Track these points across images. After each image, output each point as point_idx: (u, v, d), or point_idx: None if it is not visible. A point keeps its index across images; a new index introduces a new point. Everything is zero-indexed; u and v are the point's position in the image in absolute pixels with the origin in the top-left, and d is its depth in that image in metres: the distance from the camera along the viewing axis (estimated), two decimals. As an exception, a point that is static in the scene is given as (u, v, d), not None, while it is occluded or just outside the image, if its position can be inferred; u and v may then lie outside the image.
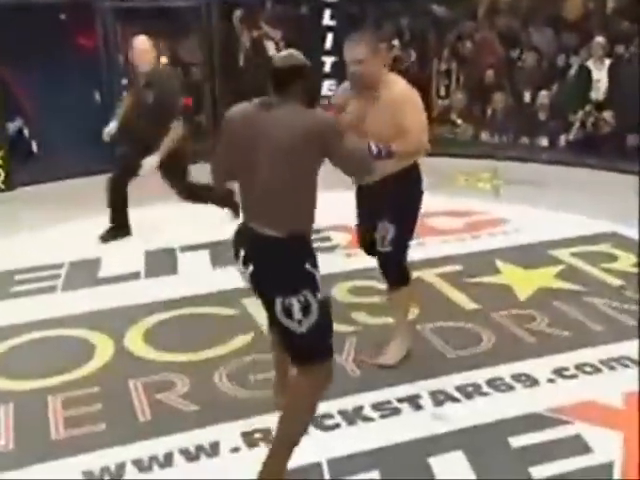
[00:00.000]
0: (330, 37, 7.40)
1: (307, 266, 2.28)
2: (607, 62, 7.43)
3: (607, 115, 7.16)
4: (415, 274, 4.13)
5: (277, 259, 2.29)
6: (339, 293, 3.97)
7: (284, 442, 2.34)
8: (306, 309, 2.26)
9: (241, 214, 2.45)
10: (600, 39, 7.50)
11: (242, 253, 2.35)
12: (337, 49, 7.54)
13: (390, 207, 3.08)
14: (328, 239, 4.87)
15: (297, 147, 2.24)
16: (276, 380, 2.87)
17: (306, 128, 2.25)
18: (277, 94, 2.34)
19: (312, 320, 2.27)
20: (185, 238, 4.97)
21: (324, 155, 2.31)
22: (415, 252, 4.52)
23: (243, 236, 2.38)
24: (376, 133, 2.91)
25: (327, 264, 3.93)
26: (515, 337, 3.42)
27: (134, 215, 5.44)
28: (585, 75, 7.47)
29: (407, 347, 3.25)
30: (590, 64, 7.48)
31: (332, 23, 7.44)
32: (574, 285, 3.99)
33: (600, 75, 7.41)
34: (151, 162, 4.65)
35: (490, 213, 5.36)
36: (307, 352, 2.31)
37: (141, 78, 4.72)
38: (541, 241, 4.70)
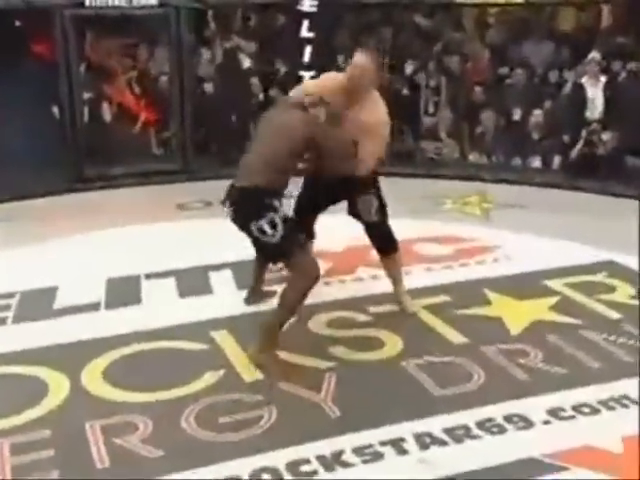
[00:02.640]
0: (308, 50, 7.45)
1: (267, 201, 3.42)
2: (603, 79, 7.56)
3: (604, 135, 7.28)
4: (399, 305, 4.17)
5: (246, 200, 3.48)
6: (316, 326, 3.96)
7: (279, 318, 3.48)
8: (273, 225, 3.39)
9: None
10: (595, 55, 7.64)
11: (227, 204, 3.56)
12: (316, 63, 7.61)
13: (361, 183, 3.80)
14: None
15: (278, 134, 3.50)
16: (252, 284, 4.21)
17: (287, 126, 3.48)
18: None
19: (281, 230, 3.40)
20: (150, 264, 4.93)
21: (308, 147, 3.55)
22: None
23: (229, 192, 3.58)
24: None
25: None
26: (507, 374, 3.43)
27: (94, 237, 5.40)
28: (579, 93, 7.60)
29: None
30: (584, 81, 7.62)
31: (310, 35, 7.50)
32: (570, 318, 4.02)
33: (595, 93, 7.54)
34: None
35: (479, 239, 5.40)
36: (288, 251, 3.43)
37: None
38: (534, 270, 4.73)
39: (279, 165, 3.48)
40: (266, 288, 4.29)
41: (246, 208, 3.48)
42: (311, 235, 4.24)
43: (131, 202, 6.81)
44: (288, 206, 3.68)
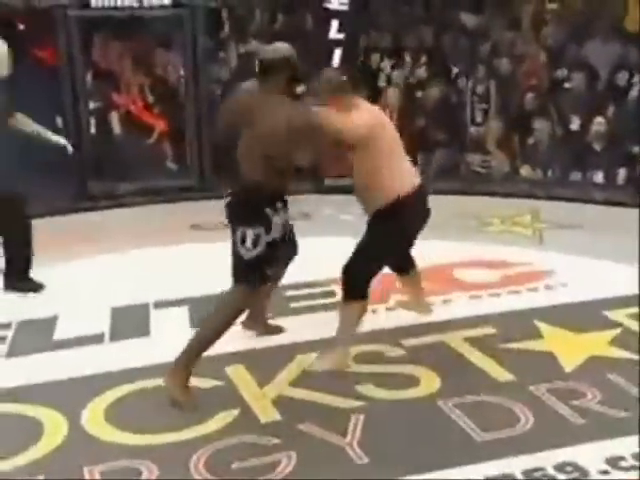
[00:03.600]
0: (338, 52, 7.54)
1: (267, 210, 3.50)
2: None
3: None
4: (439, 337, 4.18)
5: (241, 202, 3.55)
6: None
7: (199, 343, 3.61)
8: (256, 241, 3.50)
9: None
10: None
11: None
12: (346, 65, 7.69)
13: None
14: (332, 294, 4.89)
15: (265, 133, 3.43)
16: (251, 311, 4.19)
17: (275, 121, 3.38)
18: (261, 84, 3.53)
19: (258, 251, 3.51)
20: (160, 291, 5.00)
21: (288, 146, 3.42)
22: (439, 311, 4.60)
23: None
24: None
25: (328, 324, 4.01)
26: (559, 417, 3.40)
27: (99, 262, 5.48)
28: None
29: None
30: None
31: (340, 36, 7.58)
32: (633, 354, 3.98)
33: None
34: None
35: (531, 264, 5.38)
36: (249, 272, 3.56)
37: None
38: (593, 299, 4.71)
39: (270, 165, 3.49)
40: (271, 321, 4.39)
41: (239, 207, 3.57)
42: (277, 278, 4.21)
43: (140, 222, 6.92)
44: (281, 226, 3.61)
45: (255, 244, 3.52)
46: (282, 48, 3.57)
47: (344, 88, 3.89)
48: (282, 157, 3.48)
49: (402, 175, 3.92)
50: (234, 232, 3.59)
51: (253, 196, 3.52)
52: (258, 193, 3.51)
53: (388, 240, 3.92)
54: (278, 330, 4.37)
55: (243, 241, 3.54)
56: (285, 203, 3.65)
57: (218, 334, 3.62)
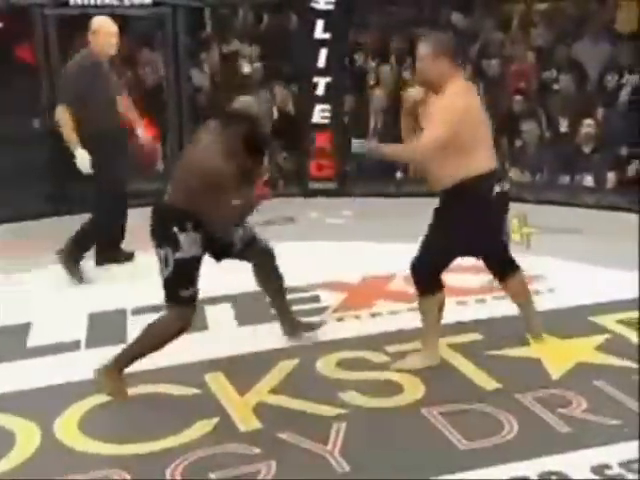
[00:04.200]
0: (324, 53, 7.55)
1: (174, 229, 3.59)
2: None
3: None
4: (421, 345, 4.18)
5: (157, 220, 3.70)
6: (325, 367, 3.98)
7: (127, 356, 3.77)
8: (166, 261, 3.63)
9: None
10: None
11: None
12: (333, 67, 7.72)
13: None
14: (316, 299, 4.89)
15: (197, 173, 3.59)
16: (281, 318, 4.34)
17: (205, 165, 3.57)
18: (220, 127, 3.67)
19: (169, 271, 3.64)
20: (139, 297, 4.98)
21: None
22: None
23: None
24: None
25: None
26: (545, 425, 3.41)
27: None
28: (642, 99, 7.59)
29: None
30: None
31: (326, 36, 7.60)
32: (621, 360, 3.99)
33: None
34: None
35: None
36: (167, 293, 3.71)
37: None
38: (581, 304, 4.72)
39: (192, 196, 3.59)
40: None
41: (155, 226, 3.70)
42: None
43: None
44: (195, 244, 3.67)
45: (166, 263, 3.65)
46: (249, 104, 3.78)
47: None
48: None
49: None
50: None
51: (168, 220, 3.65)
52: (173, 218, 3.63)
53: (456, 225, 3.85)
54: (308, 328, 4.35)
55: (160, 261, 3.68)
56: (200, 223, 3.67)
57: (153, 348, 3.76)
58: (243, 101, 3.81)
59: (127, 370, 3.97)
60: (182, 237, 3.60)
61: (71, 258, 5.36)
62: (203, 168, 3.56)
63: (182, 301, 3.69)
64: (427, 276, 3.91)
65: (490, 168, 3.86)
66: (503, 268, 4.21)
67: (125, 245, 5.80)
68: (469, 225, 3.82)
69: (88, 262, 5.57)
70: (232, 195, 3.57)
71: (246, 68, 8.45)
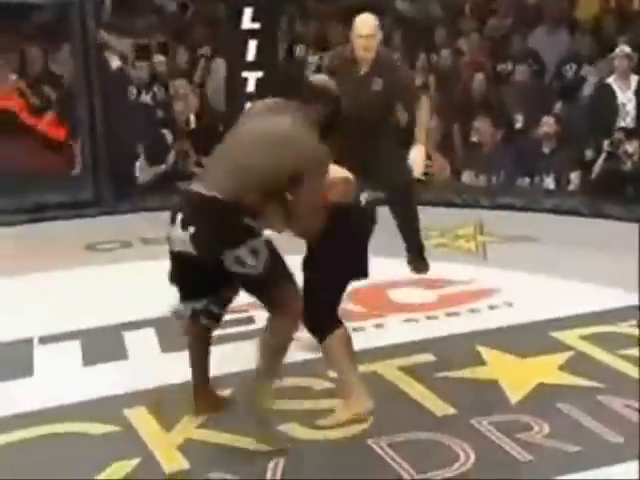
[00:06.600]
0: (253, 45, 7.57)
1: (245, 220, 3.39)
2: (635, 79, 7.76)
3: (630, 147, 7.43)
4: (370, 367, 4.22)
5: (216, 217, 3.39)
6: (262, 397, 3.97)
7: (266, 376, 3.57)
8: (255, 253, 3.37)
9: None
10: (625, 48, 7.80)
11: (180, 216, 3.44)
12: (264, 61, 7.74)
13: None
14: (250, 320, 4.88)
15: (277, 148, 3.44)
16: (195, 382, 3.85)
17: (293, 142, 3.45)
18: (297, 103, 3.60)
19: (264, 258, 3.39)
20: (47, 324, 4.94)
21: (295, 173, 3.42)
22: (371, 336, 4.64)
23: (182, 200, 3.58)
24: None
25: (245, 355, 4.00)
26: (503, 453, 3.45)
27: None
28: (609, 96, 7.74)
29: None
30: (612, 81, 7.79)
31: (256, 26, 7.62)
32: (585, 380, 4.07)
33: (626, 96, 7.73)
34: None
35: (473, 282, 5.49)
36: (272, 285, 3.45)
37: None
38: (541, 319, 4.80)
39: (265, 184, 3.44)
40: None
41: (216, 228, 3.41)
42: None
43: (23, 244, 6.83)
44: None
45: (255, 255, 3.41)
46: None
47: None
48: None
49: None
50: (219, 264, 3.46)
51: (234, 213, 3.42)
52: (239, 209, 3.43)
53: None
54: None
55: (242, 263, 3.41)
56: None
57: (284, 351, 3.61)
58: (320, 79, 3.88)
59: (32, 408, 3.95)
60: (255, 224, 3.44)
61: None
62: (298, 149, 3.43)
63: (292, 287, 3.53)
64: (323, 316, 3.76)
65: None
66: None
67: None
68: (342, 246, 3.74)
69: None
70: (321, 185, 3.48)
71: (115, 63, 8.30)
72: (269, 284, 3.47)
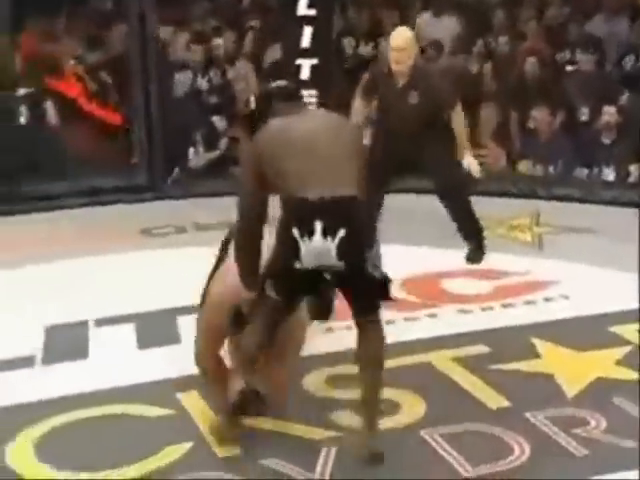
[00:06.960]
0: (308, 32, 7.56)
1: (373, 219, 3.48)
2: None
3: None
4: (423, 357, 4.21)
5: (359, 220, 3.21)
6: (313, 384, 4.00)
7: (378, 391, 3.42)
8: (379, 259, 3.26)
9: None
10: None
11: (319, 226, 3.10)
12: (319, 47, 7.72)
13: None
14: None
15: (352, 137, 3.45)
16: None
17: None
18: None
19: (380, 268, 3.24)
20: (102, 307, 4.99)
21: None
22: (424, 326, 4.63)
23: (313, 208, 3.14)
24: None
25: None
26: (559, 448, 3.43)
27: (29, 273, 5.42)
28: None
29: None
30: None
31: (312, 12, 7.61)
32: (644, 375, 4.03)
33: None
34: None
35: (529, 273, 5.44)
36: (383, 292, 3.28)
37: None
38: (599, 313, 4.76)
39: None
40: None
41: (367, 229, 3.29)
42: None
43: (79, 227, 6.90)
44: None
45: (379, 257, 3.32)
46: None
47: None
48: None
49: None
50: (357, 274, 3.26)
51: (364, 213, 3.34)
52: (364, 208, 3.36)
53: None
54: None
55: (376, 268, 3.26)
56: None
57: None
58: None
59: (86, 389, 4.00)
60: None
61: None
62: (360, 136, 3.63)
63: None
64: None
65: None
66: None
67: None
68: None
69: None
70: None
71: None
72: (381, 294, 3.32)
